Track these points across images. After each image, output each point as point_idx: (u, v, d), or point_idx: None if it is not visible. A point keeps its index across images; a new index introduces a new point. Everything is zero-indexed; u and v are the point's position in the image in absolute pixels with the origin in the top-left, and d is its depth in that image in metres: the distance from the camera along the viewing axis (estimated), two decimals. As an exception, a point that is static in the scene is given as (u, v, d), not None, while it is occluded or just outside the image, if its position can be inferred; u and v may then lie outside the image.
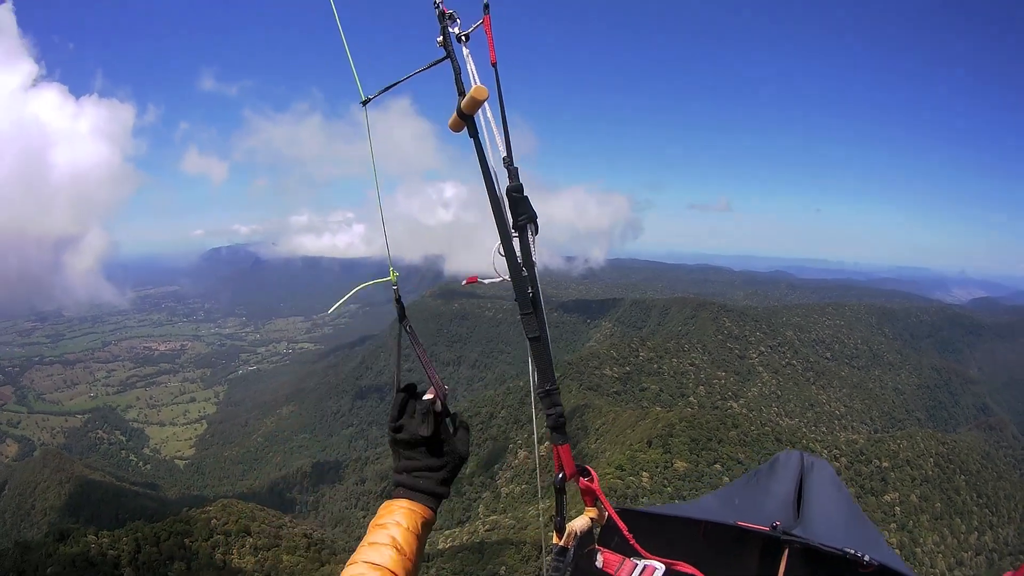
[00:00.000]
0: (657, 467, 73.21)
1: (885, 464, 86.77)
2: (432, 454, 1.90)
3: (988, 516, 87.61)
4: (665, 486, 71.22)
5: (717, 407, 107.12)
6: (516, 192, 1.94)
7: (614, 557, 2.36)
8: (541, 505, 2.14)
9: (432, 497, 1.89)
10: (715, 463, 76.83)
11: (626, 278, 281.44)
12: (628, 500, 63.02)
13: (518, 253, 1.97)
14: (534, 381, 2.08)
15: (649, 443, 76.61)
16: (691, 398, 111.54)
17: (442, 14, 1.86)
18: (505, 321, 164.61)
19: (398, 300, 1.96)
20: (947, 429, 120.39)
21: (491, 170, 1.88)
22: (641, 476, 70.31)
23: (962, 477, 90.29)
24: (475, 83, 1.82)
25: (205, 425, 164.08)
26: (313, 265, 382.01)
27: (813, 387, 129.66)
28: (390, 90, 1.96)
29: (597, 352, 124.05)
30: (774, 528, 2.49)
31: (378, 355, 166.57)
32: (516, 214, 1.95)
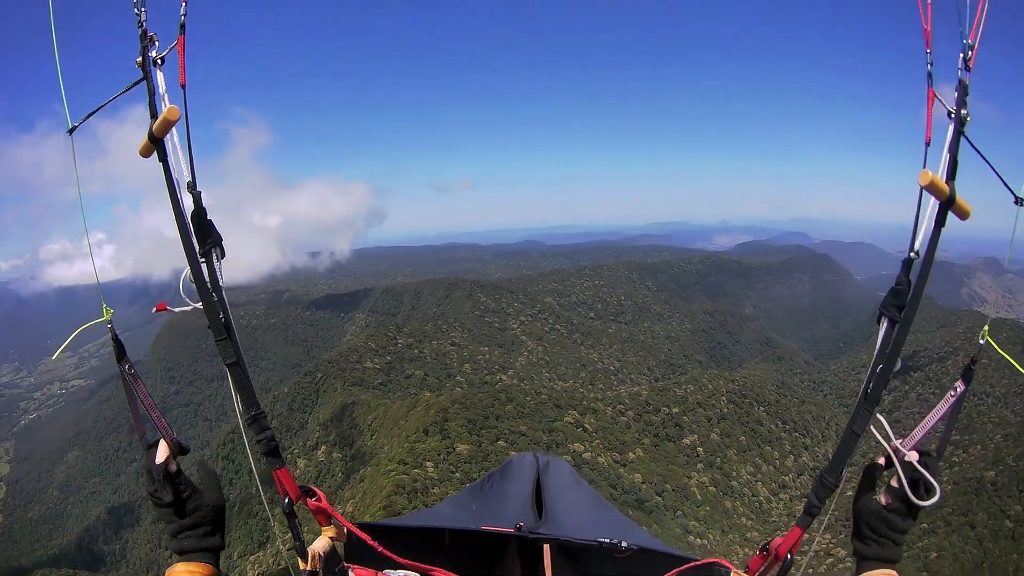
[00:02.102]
0: (439, 455, 70.07)
1: (676, 410, 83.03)
2: (184, 514, 1.79)
3: (800, 439, 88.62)
4: (453, 472, 67.99)
5: (487, 383, 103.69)
6: (201, 217, 1.91)
7: (366, 572, 2.30)
8: (280, 539, 2.14)
9: (205, 552, 1.77)
10: (498, 440, 74.13)
11: (374, 267, 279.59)
12: (419, 493, 61.75)
13: (207, 278, 1.94)
14: (239, 408, 2.02)
15: (426, 431, 73.50)
16: (458, 378, 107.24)
17: (144, 34, 1.83)
18: (260, 327, 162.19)
19: (115, 339, 1.88)
20: (733, 367, 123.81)
21: (179, 197, 1.85)
22: (426, 467, 67.35)
23: (761, 408, 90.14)
24: (167, 104, 1.79)
25: (4, 487, 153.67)
26: (70, 295, 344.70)
27: (582, 347, 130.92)
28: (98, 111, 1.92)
29: (355, 346, 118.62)
30: (519, 529, 2.47)
31: (143, 379, 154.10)
32: (203, 240, 1.91)
